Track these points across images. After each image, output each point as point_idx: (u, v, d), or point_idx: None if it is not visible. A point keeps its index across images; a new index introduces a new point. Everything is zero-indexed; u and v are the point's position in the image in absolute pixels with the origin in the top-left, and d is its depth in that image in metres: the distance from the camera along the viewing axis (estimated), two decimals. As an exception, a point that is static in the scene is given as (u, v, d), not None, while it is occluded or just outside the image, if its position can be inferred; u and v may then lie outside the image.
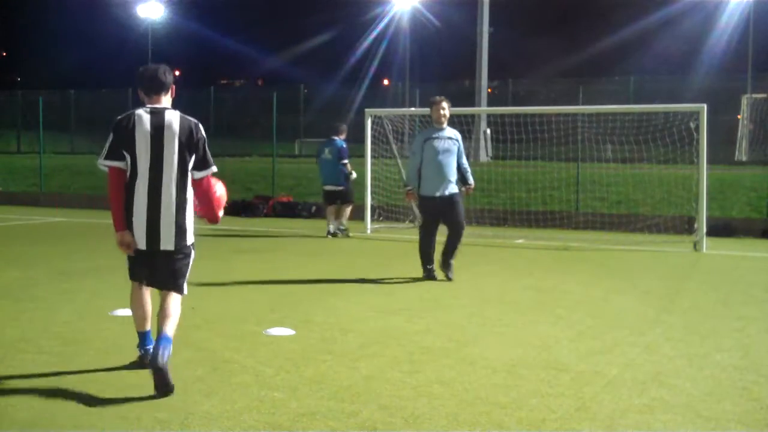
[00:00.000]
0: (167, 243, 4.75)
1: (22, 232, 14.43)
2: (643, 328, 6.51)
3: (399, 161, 15.96)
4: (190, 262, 4.94)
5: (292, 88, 39.98)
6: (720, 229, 14.23)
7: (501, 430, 4.08)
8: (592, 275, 9.67)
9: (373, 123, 15.07)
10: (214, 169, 4.95)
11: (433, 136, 9.01)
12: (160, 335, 4.65)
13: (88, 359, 5.27)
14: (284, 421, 4.13)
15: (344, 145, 13.69)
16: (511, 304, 7.54)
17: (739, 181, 18.40)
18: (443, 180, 8.89)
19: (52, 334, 5.97)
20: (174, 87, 5.01)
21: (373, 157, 15.12)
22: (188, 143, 4.79)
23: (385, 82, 50.33)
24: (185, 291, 4.92)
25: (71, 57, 66.60)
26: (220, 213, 5.07)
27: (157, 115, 4.77)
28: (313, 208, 17.87)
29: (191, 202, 4.86)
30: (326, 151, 13.85)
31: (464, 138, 9.72)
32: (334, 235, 13.68)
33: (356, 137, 15.92)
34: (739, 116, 33.37)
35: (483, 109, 25.04)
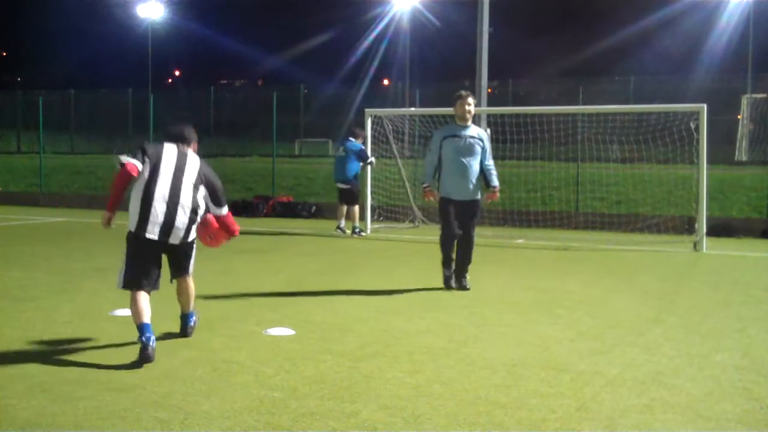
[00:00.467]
0: (175, 239, 5.46)
1: (22, 232, 14.43)
2: (643, 328, 6.51)
3: (399, 161, 15.96)
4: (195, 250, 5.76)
5: (292, 88, 40.03)
6: (720, 229, 14.24)
7: (501, 430, 4.08)
8: (592, 275, 9.68)
9: (373, 123, 15.07)
10: (225, 209, 5.79)
11: (454, 134, 8.20)
12: (187, 313, 5.89)
13: (88, 359, 5.27)
14: (284, 421, 4.13)
15: (362, 147, 14.15)
16: (511, 304, 7.54)
17: (739, 181, 18.41)
18: (462, 184, 8.13)
19: (52, 334, 5.97)
20: (196, 145, 5.82)
21: (373, 156, 15.11)
22: (206, 175, 5.60)
23: (385, 82, 50.37)
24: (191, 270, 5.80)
25: (71, 57, 66.66)
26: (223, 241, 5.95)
27: (183, 149, 5.63)
28: (313, 208, 17.88)
29: (199, 218, 5.59)
30: (341, 149, 14.38)
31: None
32: (343, 231, 13.96)
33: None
34: (739, 116, 33.38)
35: (483, 109, 24.96)
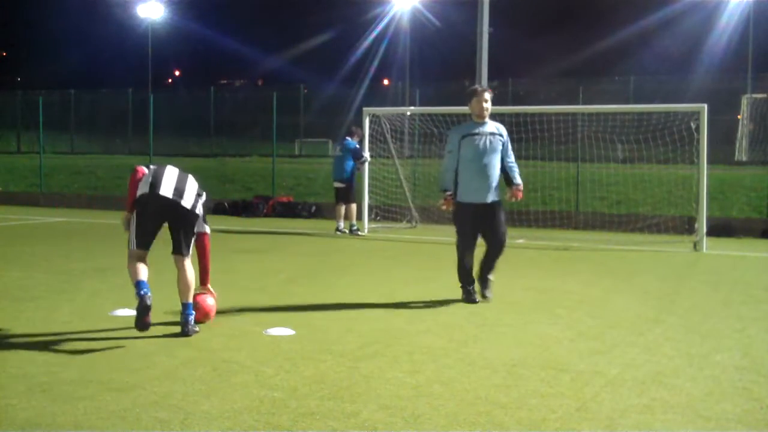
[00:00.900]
0: (188, 202, 6.02)
1: (22, 232, 14.43)
2: (643, 328, 6.51)
3: (396, 161, 15.96)
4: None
5: (292, 88, 40.01)
6: (720, 229, 14.24)
7: (501, 430, 4.08)
8: (592, 275, 9.68)
9: (371, 122, 15.08)
10: (207, 228, 6.43)
11: (473, 132, 7.59)
12: (185, 303, 6.01)
13: (88, 359, 5.28)
14: (284, 421, 4.13)
15: (357, 146, 14.22)
16: (511, 304, 7.54)
17: (739, 181, 18.42)
18: (484, 185, 7.53)
19: (52, 335, 5.97)
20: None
21: (370, 156, 15.12)
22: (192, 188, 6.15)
23: (385, 82, 50.37)
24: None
25: (71, 57, 66.69)
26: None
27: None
28: (313, 208, 17.88)
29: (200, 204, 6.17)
30: (338, 149, 14.62)
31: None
32: (342, 232, 14.01)
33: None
34: (739, 116, 33.38)
35: (483, 109, 24.90)
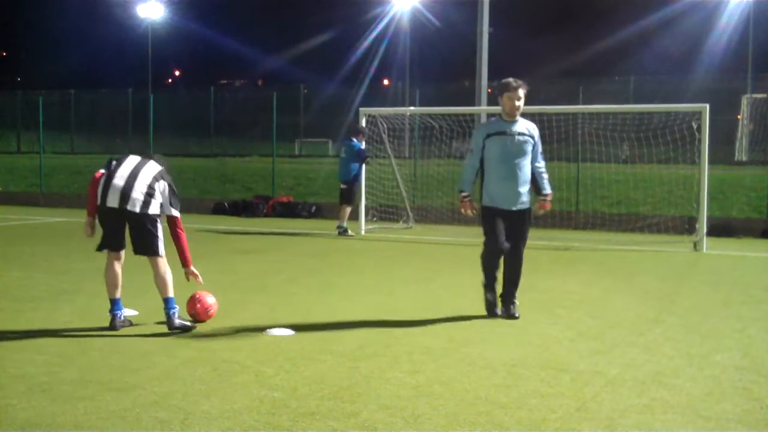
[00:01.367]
0: (134, 206, 5.97)
1: (22, 232, 14.43)
2: (643, 328, 6.51)
3: (393, 161, 15.94)
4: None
5: (292, 88, 40.02)
6: (720, 229, 14.23)
7: (501, 430, 4.08)
8: (592, 275, 9.67)
9: (367, 122, 15.06)
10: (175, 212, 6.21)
11: (501, 131, 6.80)
12: (164, 297, 6.01)
13: (87, 359, 5.27)
14: (284, 421, 4.13)
15: (361, 147, 14.22)
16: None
17: (739, 181, 18.42)
18: (512, 191, 6.78)
19: (52, 335, 5.97)
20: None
21: (368, 155, 15.11)
22: (166, 175, 6.18)
23: (385, 82, 50.40)
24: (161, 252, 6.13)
25: (71, 57, 66.73)
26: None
27: (146, 159, 6.31)
28: (313, 208, 17.87)
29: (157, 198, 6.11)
30: (342, 150, 14.53)
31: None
32: (340, 233, 14.03)
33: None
34: (739, 116, 33.38)
35: (483, 109, 24.96)
